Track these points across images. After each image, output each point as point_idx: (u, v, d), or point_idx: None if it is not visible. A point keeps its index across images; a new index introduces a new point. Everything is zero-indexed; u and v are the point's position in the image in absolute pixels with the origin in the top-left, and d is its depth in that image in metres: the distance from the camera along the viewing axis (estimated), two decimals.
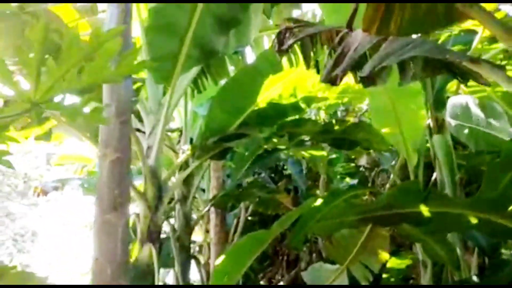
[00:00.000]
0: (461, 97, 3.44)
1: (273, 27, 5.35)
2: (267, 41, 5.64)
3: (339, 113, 7.49)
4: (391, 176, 5.37)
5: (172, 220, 5.68)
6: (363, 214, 2.37)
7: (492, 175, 2.56)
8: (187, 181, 4.90)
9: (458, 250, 3.04)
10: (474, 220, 2.25)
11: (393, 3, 1.86)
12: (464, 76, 2.29)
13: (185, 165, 4.72)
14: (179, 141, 5.38)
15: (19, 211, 13.93)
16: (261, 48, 5.73)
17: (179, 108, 5.62)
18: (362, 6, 1.99)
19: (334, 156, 6.91)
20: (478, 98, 3.38)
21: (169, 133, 5.39)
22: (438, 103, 3.60)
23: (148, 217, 3.63)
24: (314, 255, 7.18)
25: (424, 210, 2.31)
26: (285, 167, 7.86)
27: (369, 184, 6.35)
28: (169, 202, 4.81)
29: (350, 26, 2.26)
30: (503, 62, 3.22)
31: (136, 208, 4.08)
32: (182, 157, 4.54)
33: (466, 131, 3.21)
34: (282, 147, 5.22)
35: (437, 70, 2.39)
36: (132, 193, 3.91)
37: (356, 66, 2.65)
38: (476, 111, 3.27)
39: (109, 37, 1.14)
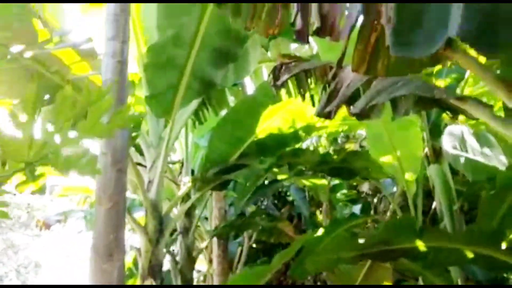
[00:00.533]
0: (457, 127, 3.48)
1: (272, 58, 5.46)
2: (266, 72, 5.74)
3: (339, 140, 7.53)
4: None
5: (173, 247, 5.68)
6: (360, 250, 2.38)
7: (487, 207, 2.57)
8: (189, 213, 4.92)
9: (459, 283, 3.02)
10: (470, 255, 2.26)
11: (379, 46, 1.91)
12: (453, 111, 2.34)
13: (186, 197, 4.75)
14: (180, 172, 5.42)
15: (22, 242, 13.91)
16: (260, 79, 5.83)
17: (180, 139, 5.68)
18: (352, 45, 2.04)
19: (336, 182, 6.93)
20: (472, 127, 3.42)
21: (170, 165, 5.43)
22: (434, 132, 3.64)
23: (149, 251, 3.64)
24: (318, 283, 7.11)
25: (420, 245, 2.32)
26: (288, 193, 7.86)
27: (372, 211, 6.33)
28: (171, 234, 4.82)
29: (340, 65, 2.32)
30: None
31: (137, 241, 4.09)
32: (183, 190, 4.57)
33: (462, 160, 3.23)
34: (283, 176, 5.24)
35: (427, 106, 2.45)
36: (134, 226, 3.94)
37: (349, 101, 2.71)
38: (471, 140, 3.30)
39: (100, 96, 1.19)
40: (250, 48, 4.61)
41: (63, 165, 1.24)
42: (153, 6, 3.70)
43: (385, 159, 3.82)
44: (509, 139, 2.18)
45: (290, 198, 7.83)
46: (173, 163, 5.79)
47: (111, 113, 1.37)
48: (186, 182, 4.77)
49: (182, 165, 5.37)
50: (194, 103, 4.62)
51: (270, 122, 4.78)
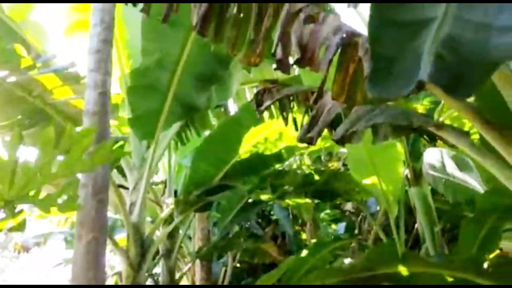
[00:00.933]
0: (436, 150, 3.55)
1: (255, 79, 5.51)
2: (249, 93, 5.78)
3: (323, 158, 7.59)
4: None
5: (156, 270, 5.61)
6: (344, 276, 2.40)
7: (468, 231, 2.62)
8: (172, 235, 4.88)
9: None
10: (449, 279, 2.29)
11: (358, 77, 1.96)
12: (430, 137, 2.40)
13: (169, 218, 4.71)
14: (163, 193, 5.39)
15: (0, 264, 13.53)
16: (243, 100, 5.87)
17: (163, 160, 5.66)
18: (332, 74, 2.09)
19: (320, 201, 6.96)
20: (451, 150, 3.49)
21: (153, 186, 5.40)
22: (414, 154, 3.70)
23: (130, 276, 3.60)
24: None
25: (403, 270, 2.35)
26: (272, 212, 7.86)
27: (356, 230, 6.36)
28: (153, 257, 4.77)
29: (320, 95, 2.37)
30: None
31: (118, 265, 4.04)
32: (166, 211, 4.54)
33: (442, 182, 3.30)
34: (267, 197, 5.26)
35: (405, 133, 2.50)
36: (115, 249, 3.89)
37: (331, 125, 2.75)
38: (450, 163, 3.37)
39: (81, 137, 1.20)
40: (233, 70, 4.65)
41: (43, 203, 1.24)
42: (138, 29, 3.72)
43: (367, 181, 3.87)
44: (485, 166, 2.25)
45: (274, 217, 7.83)
46: (156, 184, 5.75)
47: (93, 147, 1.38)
48: (169, 203, 4.74)
49: (165, 186, 5.34)
50: (177, 125, 4.63)
51: (253, 143, 4.81)
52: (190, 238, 6.20)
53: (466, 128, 2.88)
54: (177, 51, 3.60)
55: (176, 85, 3.81)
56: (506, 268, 2.79)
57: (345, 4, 2.93)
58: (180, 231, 4.98)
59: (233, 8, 2.39)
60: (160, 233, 4.64)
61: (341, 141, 2.52)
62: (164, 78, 3.76)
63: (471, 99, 2.07)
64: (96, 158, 1.27)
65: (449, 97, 1.12)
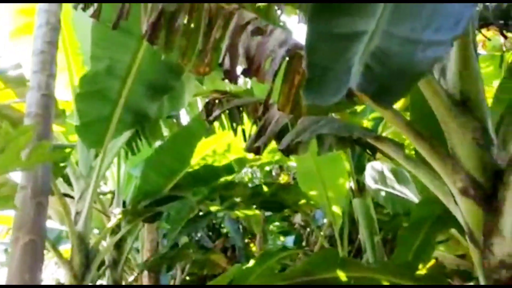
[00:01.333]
0: (378, 163, 3.72)
1: (207, 91, 5.55)
2: (201, 104, 5.81)
3: (273, 171, 7.70)
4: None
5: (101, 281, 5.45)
6: (284, 281, 2.46)
7: (404, 239, 2.76)
8: (118, 245, 4.78)
9: None
10: (385, 283, 2.40)
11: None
12: (372, 150, 2.52)
13: (117, 228, 4.62)
14: (111, 204, 5.28)
15: None
16: (196, 111, 5.89)
17: (112, 169, 5.56)
18: (278, 85, 2.17)
19: (269, 213, 7.03)
20: (391, 164, 3.66)
21: (101, 196, 5.28)
22: (359, 167, 3.85)
23: None
24: None
25: (341, 275, 2.44)
26: (222, 224, 7.86)
27: (304, 242, 6.47)
28: (99, 268, 4.65)
29: (266, 106, 2.44)
30: None
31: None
32: (113, 221, 4.45)
33: (383, 194, 3.45)
34: (216, 208, 5.27)
35: (348, 145, 2.61)
36: (58, 260, 3.77)
37: (278, 136, 2.83)
38: (390, 176, 3.54)
39: (18, 134, 1.19)
40: (185, 80, 4.67)
41: None
42: (88, 34, 3.68)
43: (314, 192, 3.98)
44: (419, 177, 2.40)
45: (225, 230, 7.84)
46: (104, 194, 5.63)
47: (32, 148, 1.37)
48: (116, 213, 4.65)
49: (114, 196, 5.24)
50: (127, 134, 4.58)
51: (204, 154, 4.83)
52: (138, 250, 6.09)
53: (406, 142, 3.03)
54: (128, 58, 3.59)
55: (126, 93, 3.79)
56: (437, 274, 2.97)
57: (296, 20, 3.07)
58: (128, 242, 4.89)
59: (183, 18, 2.44)
60: (106, 244, 4.54)
61: (287, 151, 2.59)
62: (114, 86, 3.73)
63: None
64: (33, 157, 1.26)
65: (376, 105, 1.21)
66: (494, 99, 2.23)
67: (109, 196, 5.64)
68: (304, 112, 2.20)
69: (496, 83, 3.06)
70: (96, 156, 4.33)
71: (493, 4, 2.35)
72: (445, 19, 1.26)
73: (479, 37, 2.93)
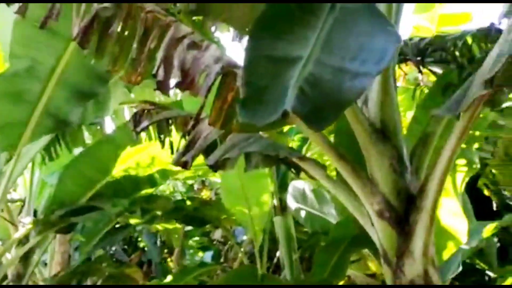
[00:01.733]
0: (301, 182, 3.85)
1: (135, 100, 5.42)
2: (128, 113, 5.66)
3: (196, 186, 7.64)
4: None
5: None
6: None
7: (321, 258, 2.87)
8: (25, 258, 4.45)
9: None
10: None
11: (235, 105, 2.08)
12: (296, 169, 2.61)
13: (24, 239, 4.31)
14: (20, 212, 4.92)
15: None
16: (122, 120, 5.71)
17: (25, 175, 5.20)
18: (210, 100, 2.18)
19: (190, 228, 6.95)
20: (313, 184, 3.81)
21: (9, 204, 4.91)
22: (282, 185, 3.96)
23: None
24: None
25: None
26: (139, 239, 7.63)
27: (222, 259, 6.46)
28: (1, 282, 4.31)
29: (197, 120, 2.45)
30: None
31: None
32: (21, 232, 4.16)
33: (303, 213, 3.57)
34: (136, 221, 5.12)
35: (274, 163, 2.69)
36: None
37: (206, 151, 2.83)
38: (311, 196, 3.68)
39: None
40: (112, 87, 4.54)
41: None
42: (8, 30, 3.45)
43: (237, 209, 4.01)
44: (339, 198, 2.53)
45: (142, 244, 7.61)
46: (13, 201, 5.24)
47: None
48: (26, 223, 4.35)
49: (24, 204, 4.90)
50: (46, 138, 4.33)
51: (127, 165, 4.69)
52: (46, 263, 5.71)
53: (327, 163, 3.17)
54: (52, 60, 3.42)
55: (47, 96, 3.59)
56: None
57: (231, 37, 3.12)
58: (36, 254, 4.57)
59: (118, 24, 2.39)
60: (11, 256, 4.21)
61: (215, 167, 2.61)
62: (34, 88, 3.52)
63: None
64: None
65: (308, 127, 1.27)
66: (408, 129, 2.41)
67: (19, 203, 5.26)
68: (235, 129, 2.23)
69: (409, 114, 3.32)
70: (8, 160, 4.04)
71: (412, 41, 2.57)
72: (371, 53, 1.36)
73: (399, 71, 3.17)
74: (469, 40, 2.13)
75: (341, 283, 3.43)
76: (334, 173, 2.89)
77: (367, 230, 2.15)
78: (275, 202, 3.99)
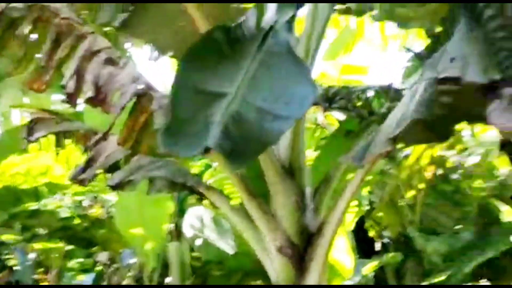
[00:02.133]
0: (200, 209, 3.81)
1: (29, 105, 5.01)
2: (19, 117, 5.21)
3: (87, 202, 7.18)
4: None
5: None
6: None
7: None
8: None
9: None
10: None
11: (148, 127, 2.04)
12: (200, 197, 2.61)
13: None
14: None
15: None
16: (9, 124, 5.23)
17: None
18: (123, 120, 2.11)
19: (72, 247, 6.46)
20: (214, 212, 3.79)
21: None
22: (181, 211, 3.90)
23: None
24: None
25: None
26: (8, 256, 6.87)
27: (106, 282, 6.09)
28: None
29: (105, 136, 2.34)
30: None
31: None
32: None
33: (199, 241, 3.54)
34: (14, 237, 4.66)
35: (179, 188, 2.65)
36: None
37: (108, 169, 2.71)
38: (209, 224, 3.66)
39: None
40: (1, 90, 4.17)
41: None
42: None
43: (132, 231, 3.85)
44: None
45: (11, 262, 6.87)
46: None
47: None
48: None
49: None
50: None
51: (11, 174, 4.28)
52: None
53: (228, 191, 3.18)
54: None
55: None
56: None
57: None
58: None
59: (26, 27, 2.23)
60: None
61: (117, 187, 2.50)
62: None
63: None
64: None
65: (229, 165, 1.29)
66: (313, 169, 2.54)
67: None
68: (144, 151, 2.17)
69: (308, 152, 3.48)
70: None
71: (322, 87, 2.75)
72: (293, 99, 1.42)
73: None
74: (371, 94, 2.34)
75: None
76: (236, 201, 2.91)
77: (264, 263, 2.20)
78: (173, 226, 3.91)
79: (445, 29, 1.70)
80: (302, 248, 2.03)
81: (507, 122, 1.04)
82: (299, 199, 2.09)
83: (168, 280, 4.13)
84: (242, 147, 1.26)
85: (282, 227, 2.06)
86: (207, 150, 1.21)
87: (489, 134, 4.55)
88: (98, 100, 1.95)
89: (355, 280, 3.46)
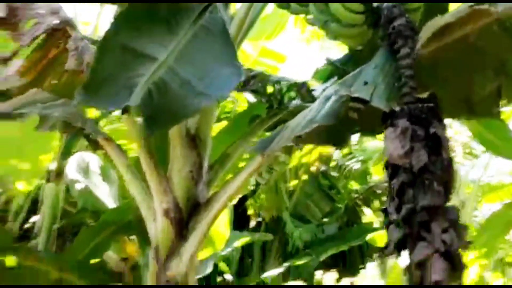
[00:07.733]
0: (88, 155, 3.66)
1: None
2: None
3: None
4: None
5: None
6: None
7: (85, 236, 2.85)
8: None
9: None
10: (54, 277, 2.41)
11: (55, 65, 1.93)
12: (95, 144, 2.55)
13: None
14: None
15: None
16: None
17: None
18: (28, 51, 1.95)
19: None
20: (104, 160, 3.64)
21: None
22: (66, 151, 3.71)
23: None
24: None
25: (11, 260, 2.30)
26: None
27: None
28: None
29: (6, 63, 2.16)
30: None
31: None
32: None
33: (79, 186, 3.42)
34: None
35: (73, 131, 2.56)
36: None
37: None
38: (95, 171, 3.54)
39: None
40: None
41: None
42: None
43: (6, 160, 3.57)
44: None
45: None
46: None
47: None
48: None
49: None
50: None
51: None
52: None
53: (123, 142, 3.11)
54: None
55: None
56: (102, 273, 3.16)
57: None
58: None
59: None
60: None
61: (6, 117, 2.34)
62: None
63: None
64: None
65: (145, 128, 1.31)
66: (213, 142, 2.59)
67: None
68: (46, 87, 2.04)
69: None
70: None
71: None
72: (217, 80, 1.47)
73: None
74: (284, 87, 2.46)
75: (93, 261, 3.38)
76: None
77: (146, 222, 2.23)
78: (54, 165, 3.69)
79: (364, 49, 1.86)
80: (187, 215, 2.10)
81: (394, 150, 1.21)
82: (195, 169, 2.15)
83: (33, 219, 3.93)
84: (160, 114, 1.29)
85: (173, 192, 2.10)
86: (125, 110, 1.21)
87: (372, 144, 5.06)
88: (7, 23, 1.78)
89: (227, 251, 3.64)
